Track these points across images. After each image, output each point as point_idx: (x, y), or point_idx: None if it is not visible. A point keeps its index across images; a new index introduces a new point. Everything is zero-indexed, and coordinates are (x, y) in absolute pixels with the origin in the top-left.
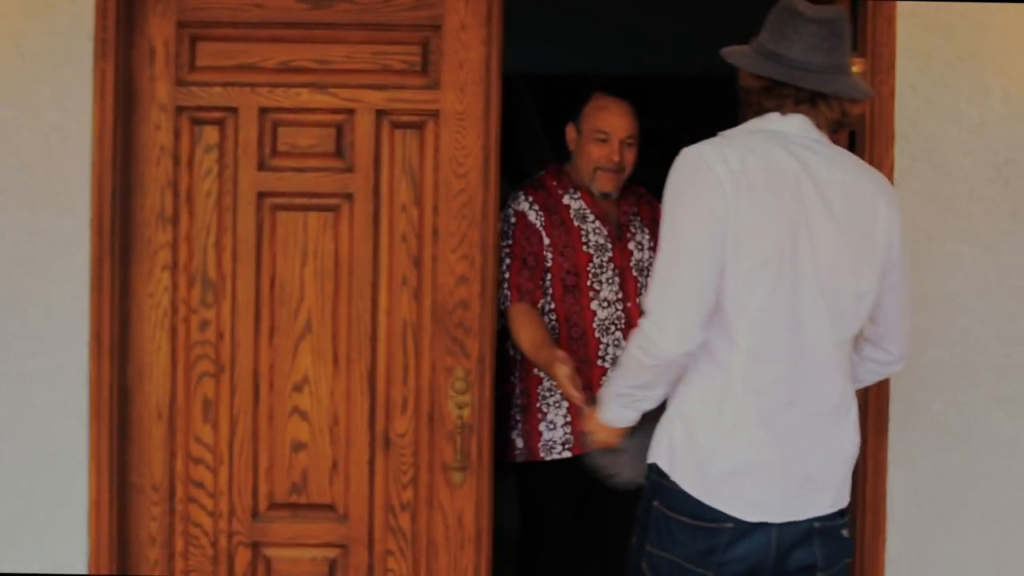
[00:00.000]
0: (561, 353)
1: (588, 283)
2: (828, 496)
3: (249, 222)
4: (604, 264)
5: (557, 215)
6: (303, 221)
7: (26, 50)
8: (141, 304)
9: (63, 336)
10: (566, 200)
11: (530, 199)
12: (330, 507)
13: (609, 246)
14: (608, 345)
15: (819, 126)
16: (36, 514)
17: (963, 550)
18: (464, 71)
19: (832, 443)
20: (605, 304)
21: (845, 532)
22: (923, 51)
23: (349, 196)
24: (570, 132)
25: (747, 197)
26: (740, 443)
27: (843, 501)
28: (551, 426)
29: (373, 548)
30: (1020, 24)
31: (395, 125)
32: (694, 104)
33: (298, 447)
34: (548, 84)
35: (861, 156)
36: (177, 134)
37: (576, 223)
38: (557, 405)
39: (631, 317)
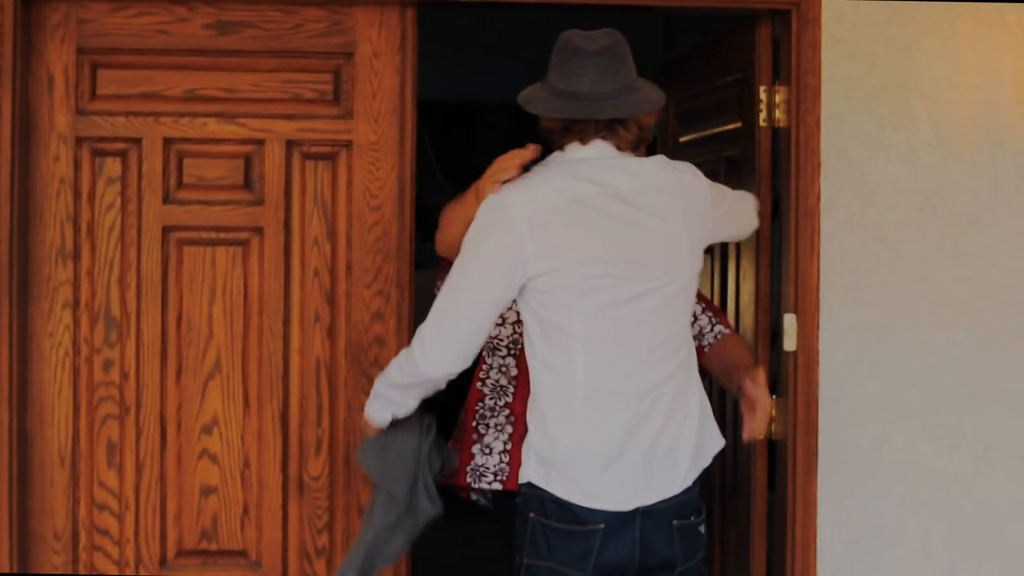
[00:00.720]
0: None
1: None
2: (679, 477)
3: (154, 257)
4: None
5: None
6: (211, 256)
7: None
8: (41, 344)
9: None
10: None
11: None
12: (242, 554)
13: None
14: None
15: (620, 148)
16: None
17: None
18: (378, 100)
19: (674, 427)
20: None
21: (702, 529)
22: (848, 78)
23: (259, 230)
24: None
25: (553, 230)
26: (596, 439)
27: (689, 482)
28: (486, 450)
29: None
30: (946, 49)
31: (306, 156)
32: None
33: (208, 491)
34: (440, 111)
35: (786, 185)
36: (77, 166)
37: None
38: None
39: None
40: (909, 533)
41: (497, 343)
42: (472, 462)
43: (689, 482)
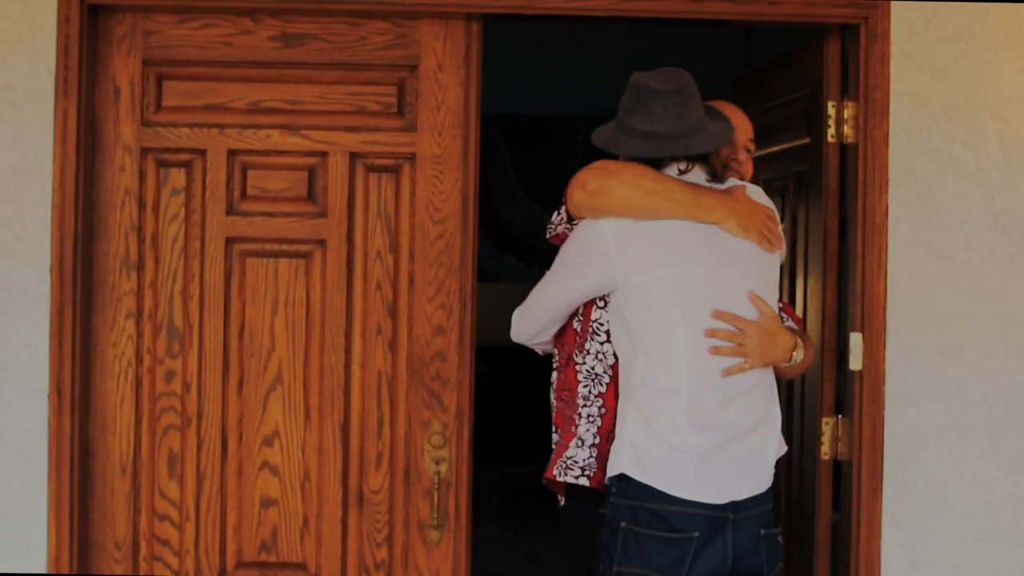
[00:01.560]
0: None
1: None
2: (765, 476)
3: (217, 269)
4: None
5: None
6: (273, 268)
7: None
8: (104, 354)
9: (21, 388)
10: None
11: None
12: (301, 566)
13: None
14: None
15: (715, 175)
16: None
17: None
18: (441, 113)
19: (763, 430)
20: None
21: (780, 540)
22: (917, 94)
23: (322, 242)
24: None
25: (639, 241)
26: (697, 434)
27: (770, 483)
28: (578, 443)
29: None
30: (1016, 67)
31: (370, 169)
32: None
33: (268, 503)
34: (517, 125)
35: (853, 202)
36: (142, 177)
37: None
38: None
39: None
40: (974, 559)
41: (597, 327)
42: (564, 453)
43: (770, 483)
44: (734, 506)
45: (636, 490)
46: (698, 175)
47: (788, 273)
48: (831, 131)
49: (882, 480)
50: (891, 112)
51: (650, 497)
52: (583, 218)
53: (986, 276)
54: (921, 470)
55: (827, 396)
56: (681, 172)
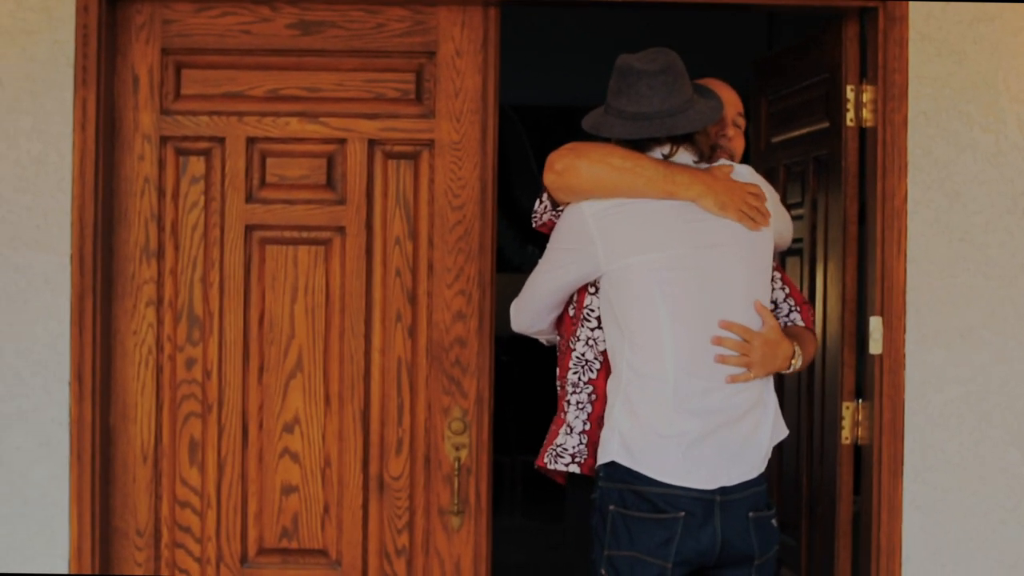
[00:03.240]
0: None
1: None
2: (758, 462)
3: (237, 256)
4: None
5: None
6: (293, 255)
7: (4, 78)
8: (125, 342)
9: (43, 376)
10: None
11: None
12: (322, 552)
13: None
14: None
15: (700, 157)
16: (14, 562)
17: None
18: (460, 100)
19: (755, 416)
20: None
21: (775, 522)
22: (936, 77)
23: (341, 229)
24: None
25: (621, 226)
26: (685, 421)
27: (763, 468)
28: (567, 429)
29: None
30: None
31: (388, 155)
32: None
33: (289, 490)
34: (539, 115)
35: (872, 186)
36: (162, 165)
37: None
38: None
39: None
40: (995, 542)
41: (588, 313)
42: (554, 441)
43: (763, 468)
44: (722, 490)
45: (623, 474)
46: (684, 157)
47: (808, 258)
48: (850, 115)
49: (903, 464)
50: (910, 95)
51: (638, 480)
52: (567, 203)
53: (1006, 259)
54: (942, 454)
55: (847, 381)
56: (666, 156)
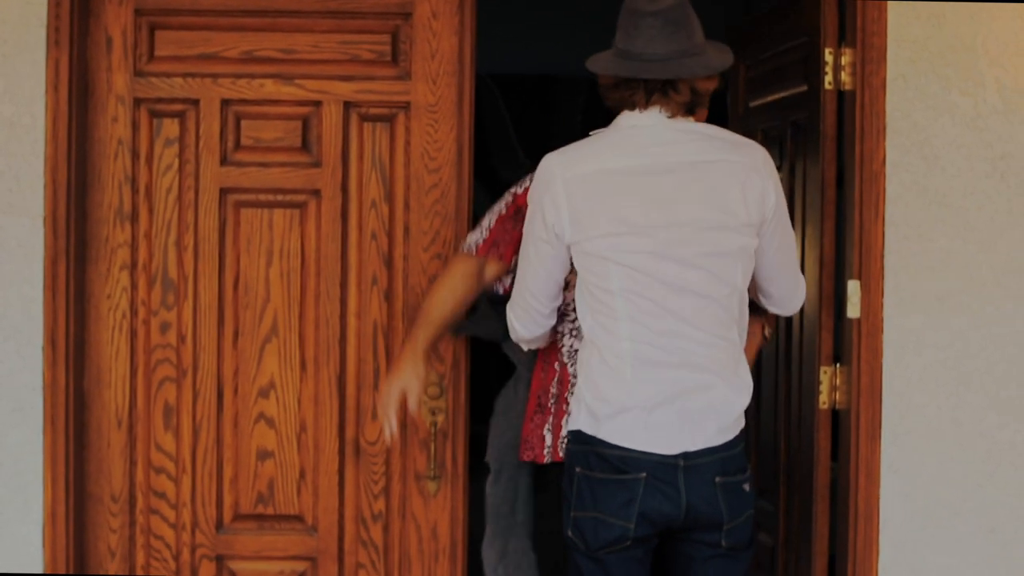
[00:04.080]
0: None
1: None
2: (724, 430)
3: (211, 219)
4: None
5: None
6: (268, 218)
7: None
8: (98, 306)
9: (15, 340)
10: None
11: None
12: (298, 518)
13: None
14: None
15: (672, 113)
16: None
17: (958, 561)
18: (436, 62)
19: (721, 390)
20: None
21: (747, 487)
22: (914, 40)
23: (316, 192)
24: None
25: (585, 198)
26: (645, 392)
27: (731, 436)
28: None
29: (343, 561)
30: (1015, 12)
31: (364, 118)
32: None
33: (264, 455)
34: (518, 86)
35: (851, 149)
36: (135, 127)
37: None
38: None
39: None
40: (974, 506)
41: (565, 308)
42: (561, 434)
43: (730, 436)
44: (685, 455)
45: (588, 439)
46: (654, 115)
47: None
48: (828, 78)
49: (881, 428)
50: (888, 58)
51: (601, 444)
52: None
53: (984, 223)
54: (920, 418)
55: (825, 345)
56: (636, 106)
